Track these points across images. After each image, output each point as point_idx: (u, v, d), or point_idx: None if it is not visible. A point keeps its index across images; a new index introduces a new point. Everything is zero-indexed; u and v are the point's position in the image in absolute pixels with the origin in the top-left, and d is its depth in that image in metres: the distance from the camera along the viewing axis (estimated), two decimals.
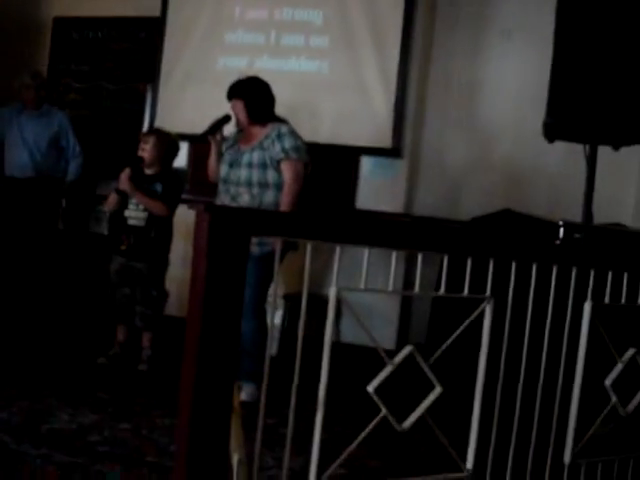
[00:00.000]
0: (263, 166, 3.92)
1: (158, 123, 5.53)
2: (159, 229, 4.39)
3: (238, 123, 4.10)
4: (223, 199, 4.02)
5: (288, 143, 3.89)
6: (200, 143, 4.66)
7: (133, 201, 4.38)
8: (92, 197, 5.80)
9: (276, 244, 3.05)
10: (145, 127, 5.73)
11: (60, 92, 6.06)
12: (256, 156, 3.94)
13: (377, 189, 5.24)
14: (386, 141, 5.16)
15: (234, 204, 3.93)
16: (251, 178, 3.93)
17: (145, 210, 4.36)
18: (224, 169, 4.05)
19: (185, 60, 5.65)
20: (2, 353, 4.24)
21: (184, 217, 4.33)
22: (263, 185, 3.92)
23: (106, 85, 5.98)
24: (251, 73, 4.20)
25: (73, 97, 6.08)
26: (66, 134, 5.44)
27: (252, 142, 4.00)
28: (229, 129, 4.21)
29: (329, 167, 5.09)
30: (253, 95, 4.02)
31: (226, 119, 4.15)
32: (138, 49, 5.92)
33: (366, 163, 5.29)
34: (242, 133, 4.13)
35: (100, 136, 5.89)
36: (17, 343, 4.53)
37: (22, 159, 5.35)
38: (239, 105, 4.01)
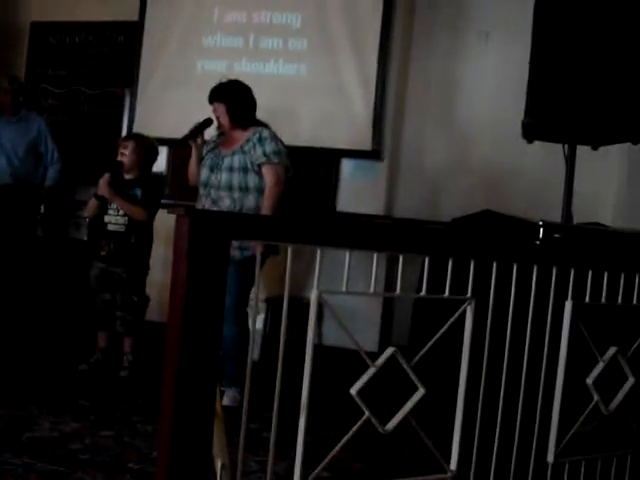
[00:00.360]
0: (244, 170, 3.91)
1: (137, 128, 5.51)
2: (139, 234, 4.37)
3: (219, 126, 4.09)
4: (204, 203, 4.01)
5: (269, 147, 3.90)
6: (181, 147, 4.64)
7: (113, 206, 4.35)
8: (71, 203, 5.77)
9: (257, 248, 3.06)
10: (124, 132, 5.71)
11: (38, 97, 6.02)
12: (237, 160, 3.93)
13: (357, 191, 5.25)
14: (366, 143, 5.17)
15: (215, 208, 3.92)
16: (232, 182, 3.92)
17: (125, 215, 4.34)
18: (205, 173, 4.03)
19: (163, 64, 5.64)
20: None
21: (164, 222, 4.30)
22: (244, 189, 3.91)
23: (84, 90, 5.95)
24: (230, 77, 4.18)
25: (51, 102, 6.04)
26: (45, 140, 5.40)
27: (233, 146, 3.99)
28: (210, 132, 4.19)
29: (309, 170, 5.09)
30: (235, 99, 4.01)
31: (207, 123, 4.14)
32: (116, 54, 5.89)
33: (346, 166, 5.30)
34: (223, 137, 4.12)
35: (78, 141, 5.86)
36: None
37: (0, 165, 5.30)
38: (221, 108, 4.00)
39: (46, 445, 3.01)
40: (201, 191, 4.06)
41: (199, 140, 4.15)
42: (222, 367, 3.78)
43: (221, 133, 4.13)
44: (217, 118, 4.06)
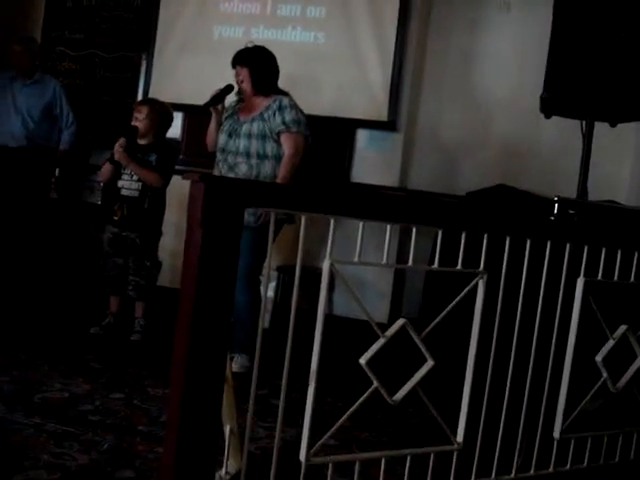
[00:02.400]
0: (262, 137, 3.90)
1: (152, 93, 5.48)
2: (152, 200, 4.37)
3: (240, 92, 4.05)
4: (221, 169, 3.99)
5: (289, 116, 3.87)
6: (197, 114, 4.62)
7: (127, 171, 4.35)
8: (85, 167, 5.77)
9: (268, 216, 3.03)
10: (139, 97, 5.69)
11: (53, 60, 5.99)
12: (256, 126, 3.91)
13: (372, 162, 5.22)
14: (382, 114, 5.13)
15: (231, 174, 3.91)
16: (249, 148, 3.90)
17: (139, 180, 4.33)
18: (223, 138, 4.01)
19: (180, 29, 5.59)
20: None
21: (177, 188, 4.31)
22: (261, 156, 3.90)
23: (100, 54, 5.91)
24: (248, 44, 4.12)
25: (67, 66, 6.01)
26: (60, 103, 5.39)
27: (253, 112, 3.96)
28: (229, 98, 4.17)
29: (324, 140, 5.06)
30: (259, 64, 3.98)
31: (228, 89, 4.11)
32: (133, 18, 5.84)
33: (362, 136, 5.26)
34: (242, 103, 4.09)
35: (93, 105, 5.84)
36: (10, 313, 4.53)
37: (15, 128, 5.30)
38: (244, 72, 3.97)
39: (57, 406, 3.04)
40: (218, 157, 4.03)
41: (220, 107, 4.12)
42: (233, 333, 3.81)
43: (241, 99, 4.10)
44: (239, 83, 4.02)
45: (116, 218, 4.38)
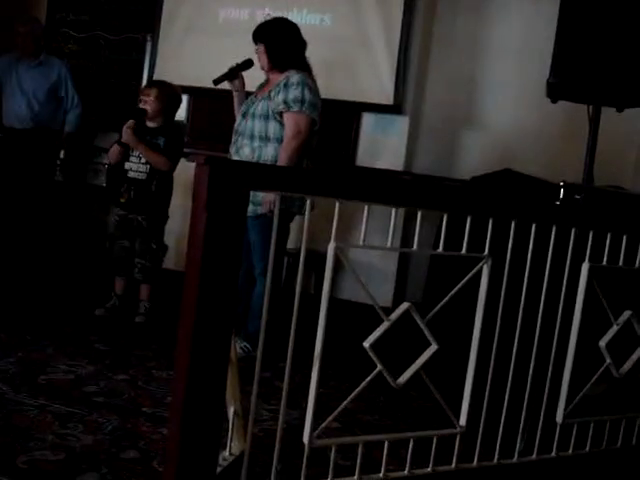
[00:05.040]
0: (265, 117, 3.72)
1: (157, 75, 5.47)
2: (160, 182, 4.36)
3: (263, 69, 3.86)
4: (230, 150, 3.87)
5: (292, 94, 3.65)
6: (206, 96, 4.56)
7: (135, 154, 4.33)
8: (90, 149, 5.76)
9: (269, 205, 3.02)
10: (144, 78, 5.67)
11: (58, 42, 5.97)
12: (261, 106, 3.74)
13: (378, 146, 5.20)
14: (388, 98, 5.11)
15: (236, 157, 3.79)
16: (253, 130, 3.75)
17: (146, 163, 4.32)
18: (238, 119, 3.87)
19: (185, 11, 5.56)
20: (2, 304, 4.25)
21: (184, 171, 4.30)
22: (264, 138, 3.73)
23: (105, 35, 5.89)
24: (252, 25, 3.99)
25: (71, 47, 5.99)
26: (65, 84, 5.37)
27: (266, 90, 3.80)
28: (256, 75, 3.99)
29: (329, 123, 5.04)
30: (275, 38, 3.77)
31: (246, 64, 3.94)
32: None
33: (367, 119, 5.24)
34: (267, 81, 3.90)
35: (99, 87, 5.83)
36: (16, 294, 4.54)
37: (20, 109, 5.29)
38: (261, 49, 3.79)
39: (62, 387, 3.05)
40: (233, 138, 3.89)
41: (236, 83, 3.96)
42: (243, 321, 3.80)
43: (268, 77, 3.89)
44: (259, 60, 3.85)
45: (123, 200, 4.37)
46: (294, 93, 3.65)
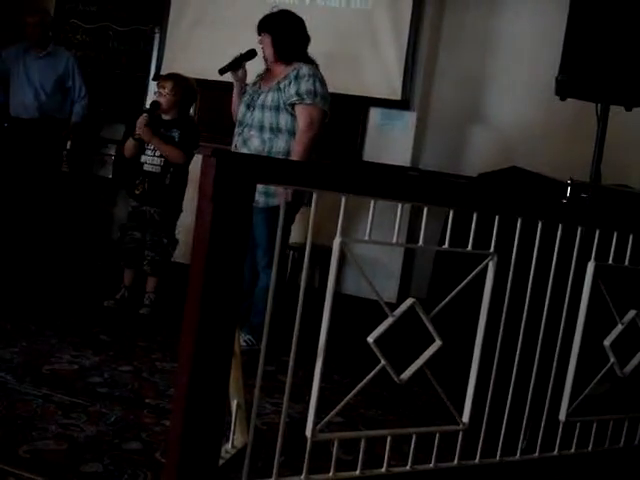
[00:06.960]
0: (276, 109, 3.71)
1: (165, 67, 5.47)
2: (174, 176, 4.35)
3: (265, 59, 3.87)
4: (236, 142, 3.84)
5: (305, 86, 3.64)
6: (214, 89, 4.53)
7: (150, 147, 4.31)
8: (97, 139, 5.77)
9: (283, 196, 3.01)
10: (152, 70, 5.68)
11: (67, 32, 5.97)
12: (270, 97, 3.72)
13: (385, 141, 5.19)
14: (396, 93, 5.10)
15: (244, 149, 3.76)
16: (263, 121, 3.73)
17: (161, 156, 4.30)
18: (242, 110, 3.85)
19: (195, 3, 5.55)
20: (7, 294, 4.26)
21: (194, 164, 4.29)
22: (275, 130, 3.71)
23: (114, 26, 5.89)
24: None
25: (80, 38, 5.99)
26: (72, 75, 5.37)
27: (272, 82, 3.78)
28: (255, 67, 4.00)
29: (337, 117, 5.03)
30: (281, 30, 3.77)
31: (250, 55, 3.94)
32: None
33: (375, 114, 5.23)
34: (268, 72, 3.90)
35: (106, 78, 5.83)
36: (22, 285, 4.55)
37: (27, 99, 5.30)
38: (266, 40, 3.78)
39: (65, 377, 3.06)
40: (236, 129, 3.87)
41: (239, 73, 3.96)
42: (247, 314, 3.80)
43: (268, 68, 3.89)
44: (263, 50, 3.84)
45: (137, 192, 4.37)
46: (306, 85, 3.65)
